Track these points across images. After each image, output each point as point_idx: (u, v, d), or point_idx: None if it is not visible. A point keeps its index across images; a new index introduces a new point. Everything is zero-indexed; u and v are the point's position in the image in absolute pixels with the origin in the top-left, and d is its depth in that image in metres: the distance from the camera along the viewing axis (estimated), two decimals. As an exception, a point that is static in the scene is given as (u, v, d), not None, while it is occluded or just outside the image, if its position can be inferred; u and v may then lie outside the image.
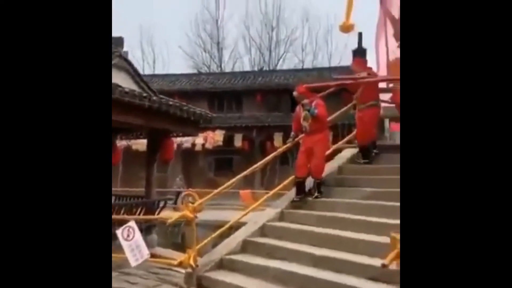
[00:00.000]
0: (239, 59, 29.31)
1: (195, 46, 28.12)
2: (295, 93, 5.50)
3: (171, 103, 7.60)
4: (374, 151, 5.93)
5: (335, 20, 23.53)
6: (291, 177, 5.46)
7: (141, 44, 32.61)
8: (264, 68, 25.95)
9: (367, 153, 5.88)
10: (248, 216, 5.32)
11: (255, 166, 5.74)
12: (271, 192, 5.64)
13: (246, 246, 4.63)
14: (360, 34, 14.07)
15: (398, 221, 2.08)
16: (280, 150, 6.15)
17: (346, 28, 5.25)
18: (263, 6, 28.15)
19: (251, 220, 5.09)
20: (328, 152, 5.74)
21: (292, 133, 5.60)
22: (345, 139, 6.76)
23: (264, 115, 19.23)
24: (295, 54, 28.98)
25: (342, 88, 6.28)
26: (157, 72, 26.55)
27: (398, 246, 2.55)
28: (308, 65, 26.26)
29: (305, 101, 5.34)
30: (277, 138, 17.22)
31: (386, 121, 14.49)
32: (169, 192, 14.30)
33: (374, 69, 6.33)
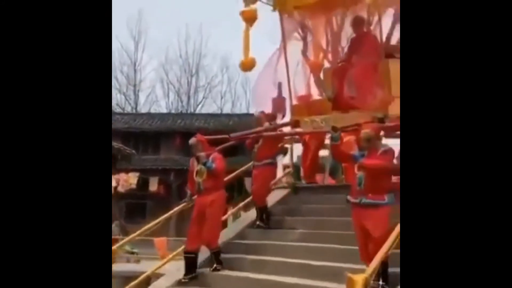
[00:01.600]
0: (156, 102, 28.55)
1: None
2: (191, 141, 4.86)
3: None
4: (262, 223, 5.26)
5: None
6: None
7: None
8: (184, 112, 25.41)
9: (266, 214, 5.31)
10: (166, 266, 5.02)
11: (170, 212, 5.36)
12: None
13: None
14: (279, 84, 14.52)
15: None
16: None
17: (246, 65, 4.90)
18: (183, 52, 27.89)
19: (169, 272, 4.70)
20: (225, 217, 5.19)
21: (189, 192, 5.00)
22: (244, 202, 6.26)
23: (183, 158, 18.26)
24: (214, 101, 28.97)
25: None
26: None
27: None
28: (227, 112, 26.22)
29: (201, 154, 4.68)
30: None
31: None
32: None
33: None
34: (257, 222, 5.24)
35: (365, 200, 3.79)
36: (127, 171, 16.24)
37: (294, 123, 4.97)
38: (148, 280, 4.93)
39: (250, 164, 5.63)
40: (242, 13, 4.58)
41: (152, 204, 16.88)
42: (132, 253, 11.34)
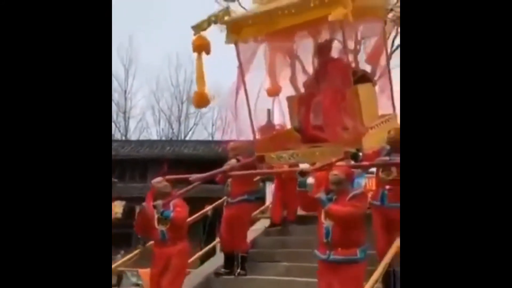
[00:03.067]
0: (147, 129, 27.90)
1: (99, 114, 26.29)
2: (154, 182, 4.38)
3: None
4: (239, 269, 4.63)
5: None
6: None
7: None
8: (173, 139, 24.97)
9: (232, 265, 4.67)
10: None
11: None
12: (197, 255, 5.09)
13: None
14: (268, 111, 14.10)
15: None
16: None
17: (198, 100, 4.35)
18: (174, 79, 27.61)
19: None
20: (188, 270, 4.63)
21: (141, 242, 4.54)
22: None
23: (171, 186, 17.68)
24: (205, 127, 28.40)
25: None
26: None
27: None
28: (218, 138, 26.01)
29: (158, 202, 4.14)
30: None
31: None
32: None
33: None
34: (238, 270, 4.57)
35: (333, 257, 3.16)
36: (112, 199, 15.73)
37: (259, 160, 4.34)
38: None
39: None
40: (193, 42, 4.03)
41: (136, 236, 16.24)
42: (137, 285, 10.77)
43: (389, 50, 4.70)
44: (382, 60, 4.48)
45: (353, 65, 4.27)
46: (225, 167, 4.61)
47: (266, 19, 3.88)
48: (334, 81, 3.95)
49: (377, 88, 4.43)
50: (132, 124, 27.78)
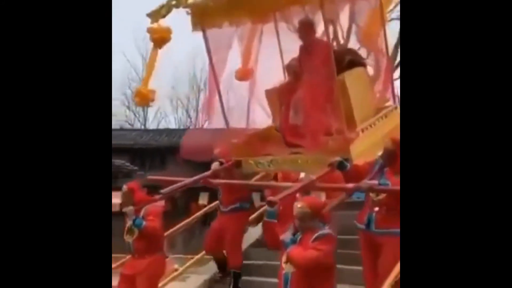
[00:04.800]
0: (165, 118, 27.68)
1: (119, 104, 26.41)
2: (122, 189, 3.70)
3: None
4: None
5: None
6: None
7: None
8: (191, 128, 24.86)
9: (225, 269, 4.05)
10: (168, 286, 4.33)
11: (175, 228, 4.77)
12: (195, 258, 4.71)
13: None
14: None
15: None
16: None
17: (141, 97, 3.58)
18: (191, 68, 27.22)
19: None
20: (163, 283, 3.96)
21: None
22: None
23: (189, 173, 17.40)
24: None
25: None
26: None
27: None
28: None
29: (129, 208, 3.51)
30: (203, 198, 15.17)
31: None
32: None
33: None
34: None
35: None
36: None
37: (236, 164, 3.62)
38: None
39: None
40: (149, 31, 3.37)
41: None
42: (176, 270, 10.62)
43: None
44: (379, 41, 3.58)
45: (339, 47, 3.42)
46: (207, 172, 3.84)
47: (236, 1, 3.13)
48: (317, 71, 3.11)
49: (371, 73, 3.57)
50: (150, 114, 27.88)
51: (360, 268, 3.01)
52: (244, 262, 3.95)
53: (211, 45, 3.48)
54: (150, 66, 3.52)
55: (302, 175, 3.37)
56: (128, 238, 3.60)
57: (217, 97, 3.65)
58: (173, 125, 25.82)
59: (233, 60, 3.81)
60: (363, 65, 3.50)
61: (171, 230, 4.71)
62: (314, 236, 2.57)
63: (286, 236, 2.68)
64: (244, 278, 3.89)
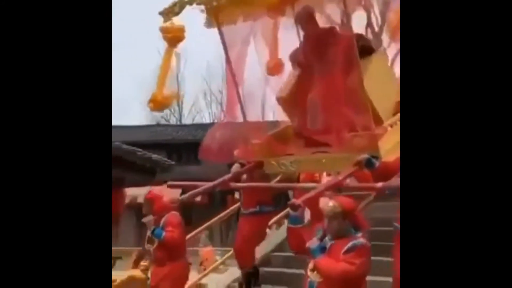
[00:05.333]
0: (199, 113, 28.01)
1: (156, 101, 27.06)
2: (143, 200, 3.72)
3: (124, 147, 6.43)
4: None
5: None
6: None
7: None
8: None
9: (251, 279, 3.90)
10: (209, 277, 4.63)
11: (212, 221, 4.90)
12: (232, 251, 4.51)
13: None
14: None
15: None
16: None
17: (156, 103, 3.37)
18: (224, 61, 27.16)
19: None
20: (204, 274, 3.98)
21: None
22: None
23: (225, 167, 17.49)
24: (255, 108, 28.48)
25: None
26: (113, 123, 24.86)
27: None
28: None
29: (148, 218, 3.54)
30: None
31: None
32: (120, 251, 12.19)
33: None
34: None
35: None
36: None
37: (257, 165, 3.45)
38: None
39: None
40: (162, 30, 3.19)
41: (195, 214, 16.52)
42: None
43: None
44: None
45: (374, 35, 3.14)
46: (227, 176, 3.71)
47: None
48: (331, 63, 2.84)
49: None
50: (185, 110, 28.15)
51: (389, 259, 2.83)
52: (265, 269, 3.91)
53: (227, 41, 3.31)
54: (164, 68, 3.33)
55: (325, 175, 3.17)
56: (149, 247, 3.68)
57: (235, 92, 3.48)
58: (207, 120, 26.12)
59: (253, 55, 3.63)
60: (374, 51, 3.20)
61: (208, 222, 5.00)
62: (346, 247, 2.34)
63: (313, 242, 2.48)
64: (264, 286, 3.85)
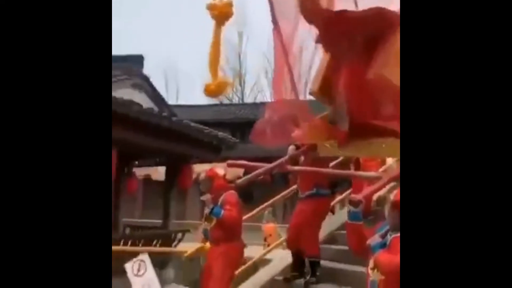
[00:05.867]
0: (261, 92, 28.05)
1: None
2: (201, 177, 3.73)
3: (192, 125, 6.92)
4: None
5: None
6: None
7: (165, 73, 31.00)
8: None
9: (302, 267, 3.81)
10: (273, 252, 4.70)
11: (274, 198, 4.95)
12: None
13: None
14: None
15: None
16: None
17: (211, 90, 2.97)
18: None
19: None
20: (236, 271, 3.82)
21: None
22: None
23: (287, 146, 17.59)
24: (316, 84, 27.84)
25: None
26: (178, 102, 25.51)
27: None
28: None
29: (206, 196, 3.51)
30: (300, 168, 15.61)
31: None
32: (188, 224, 12.98)
33: None
34: (307, 278, 3.81)
35: None
36: (235, 159, 16.33)
37: (310, 148, 3.35)
38: (255, 267, 4.58)
39: None
40: (208, 8, 2.80)
41: (258, 191, 16.86)
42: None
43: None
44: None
45: None
46: (283, 158, 3.62)
47: None
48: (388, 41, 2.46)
49: None
50: (247, 89, 28.34)
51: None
52: (332, 246, 3.89)
53: (277, 12, 2.81)
54: (214, 51, 2.90)
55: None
56: (206, 226, 3.68)
57: (285, 69, 3.09)
58: (268, 99, 26.36)
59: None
60: None
61: (271, 200, 5.08)
62: None
63: (374, 239, 2.39)
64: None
